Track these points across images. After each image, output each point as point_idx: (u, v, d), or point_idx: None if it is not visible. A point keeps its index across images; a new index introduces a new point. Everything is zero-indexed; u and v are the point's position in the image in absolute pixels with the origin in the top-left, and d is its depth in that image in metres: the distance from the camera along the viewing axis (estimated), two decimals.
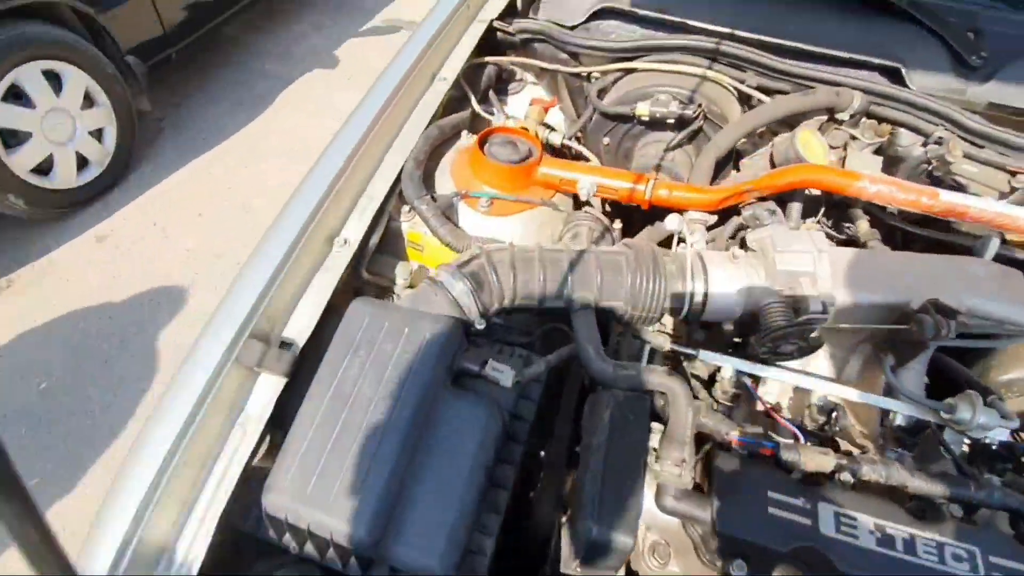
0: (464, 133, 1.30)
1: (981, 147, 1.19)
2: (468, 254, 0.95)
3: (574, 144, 1.38)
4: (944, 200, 1.05)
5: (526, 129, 1.35)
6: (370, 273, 1.12)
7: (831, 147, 1.30)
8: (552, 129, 1.39)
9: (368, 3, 4.45)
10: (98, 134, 2.74)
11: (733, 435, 0.80)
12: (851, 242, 1.17)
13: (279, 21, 4.17)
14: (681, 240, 1.09)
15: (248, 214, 2.88)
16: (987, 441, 0.87)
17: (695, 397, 0.95)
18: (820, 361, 1.06)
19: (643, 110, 1.26)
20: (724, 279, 0.96)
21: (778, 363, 0.97)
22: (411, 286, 1.12)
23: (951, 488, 0.76)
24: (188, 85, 3.57)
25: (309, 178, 1.04)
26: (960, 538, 0.73)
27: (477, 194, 1.12)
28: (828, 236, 1.19)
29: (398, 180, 1.11)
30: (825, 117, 1.25)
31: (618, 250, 0.99)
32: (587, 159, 1.40)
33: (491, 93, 1.50)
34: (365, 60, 3.86)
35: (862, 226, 1.15)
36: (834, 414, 0.94)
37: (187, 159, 3.14)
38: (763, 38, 1.34)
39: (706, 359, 0.98)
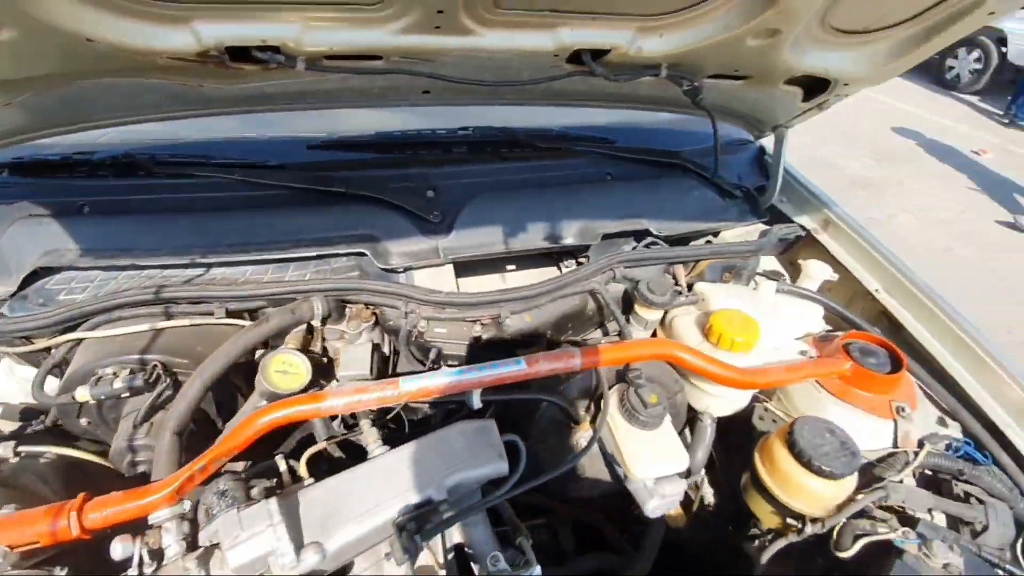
0: None
1: (444, 308, 1.27)
2: None
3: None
4: (405, 388, 1.08)
5: None
6: None
7: (326, 341, 1.27)
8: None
9: None
10: None
11: None
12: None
13: None
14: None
15: None
16: None
17: None
18: None
19: (83, 396, 1.05)
20: None
21: None
22: None
23: None
24: None
25: None
26: None
27: None
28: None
29: None
30: (304, 328, 1.22)
31: None
32: None
33: None
34: None
35: (365, 431, 1.12)
36: None
37: None
38: (231, 259, 1.27)
39: None
